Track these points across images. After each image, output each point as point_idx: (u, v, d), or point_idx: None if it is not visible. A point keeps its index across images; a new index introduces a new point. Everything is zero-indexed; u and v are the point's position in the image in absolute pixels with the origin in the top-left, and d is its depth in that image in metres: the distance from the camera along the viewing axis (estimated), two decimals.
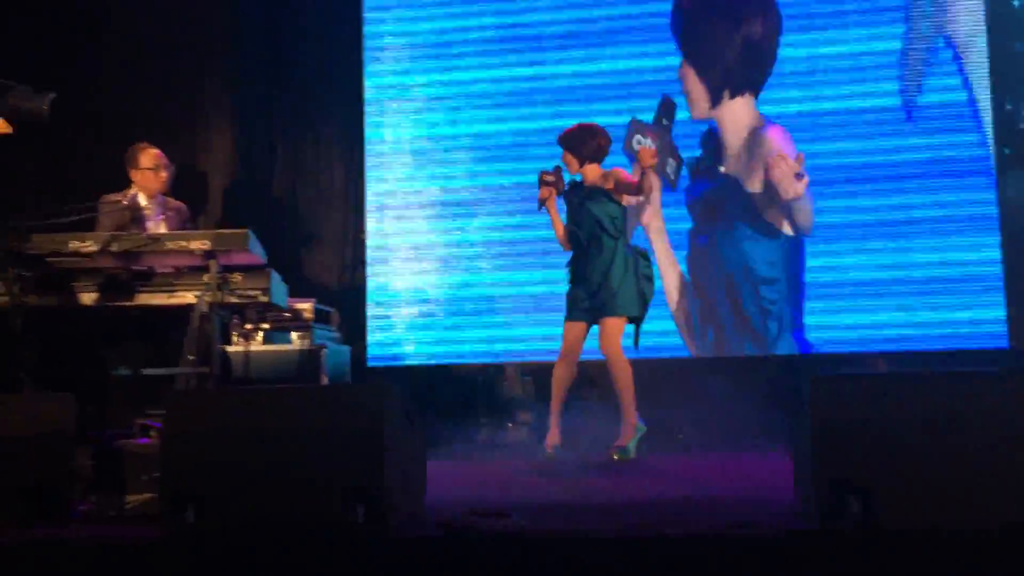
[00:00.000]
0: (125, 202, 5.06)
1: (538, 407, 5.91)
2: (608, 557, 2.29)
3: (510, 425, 5.92)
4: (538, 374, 6.03)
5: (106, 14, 6.63)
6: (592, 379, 5.82)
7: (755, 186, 6.33)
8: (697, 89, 6.47)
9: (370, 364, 6.34)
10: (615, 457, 4.57)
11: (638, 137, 6.38)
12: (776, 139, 6.36)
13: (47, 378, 4.07)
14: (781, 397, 5.80)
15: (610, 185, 4.71)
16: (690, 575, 2.29)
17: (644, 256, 4.85)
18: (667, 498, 3.27)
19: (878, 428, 2.42)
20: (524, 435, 5.85)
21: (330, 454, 2.51)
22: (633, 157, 6.31)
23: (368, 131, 6.57)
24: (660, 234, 6.38)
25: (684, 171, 6.42)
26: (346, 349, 5.69)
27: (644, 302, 4.73)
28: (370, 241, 6.51)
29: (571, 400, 4.96)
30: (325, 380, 5.16)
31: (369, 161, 6.55)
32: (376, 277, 6.49)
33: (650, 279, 4.80)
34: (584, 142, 4.77)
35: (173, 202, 5.43)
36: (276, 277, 4.38)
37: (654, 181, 4.83)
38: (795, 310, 6.24)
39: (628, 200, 4.82)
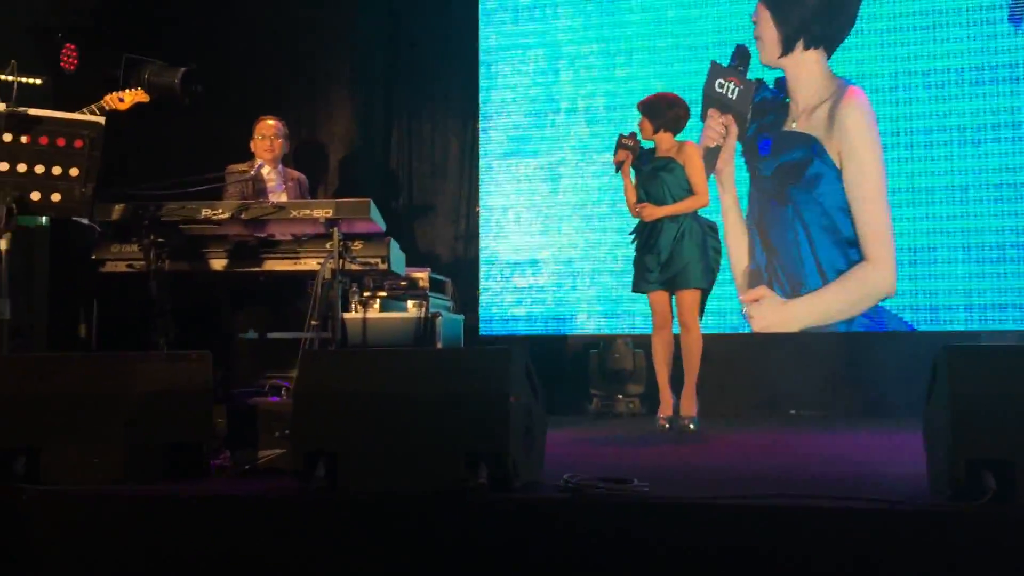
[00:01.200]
0: (252, 172, 5.23)
1: (649, 379, 5.90)
2: (733, 524, 2.27)
3: (620, 397, 5.91)
4: (649, 346, 5.99)
5: None
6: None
7: (832, 146, 6.17)
8: (769, 34, 6.36)
9: (483, 334, 6.41)
10: (691, 428, 4.63)
11: (720, 81, 6.36)
12: (854, 101, 6.15)
13: (179, 341, 4.25)
14: (888, 370, 5.73)
15: (682, 160, 4.71)
16: (816, 545, 2.25)
17: (713, 229, 4.85)
18: (785, 469, 3.22)
19: (1018, 402, 2.33)
20: (635, 407, 5.84)
21: (455, 415, 2.55)
22: (713, 101, 6.34)
23: (483, 105, 6.61)
24: (730, 186, 6.32)
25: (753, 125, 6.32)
26: (460, 318, 5.77)
27: (713, 274, 4.75)
28: (484, 213, 6.57)
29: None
30: (439, 348, 5.25)
31: (484, 135, 6.61)
32: (490, 248, 6.55)
33: (718, 252, 4.82)
34: (661, 110, 4.77)
35: (293, 172, 5.59)
36: (395, 245, 4.46)
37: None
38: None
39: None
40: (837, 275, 6.08)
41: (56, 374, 2.85)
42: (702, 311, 4.78)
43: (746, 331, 6.14)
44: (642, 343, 6.05)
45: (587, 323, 6.36)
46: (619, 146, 4.77)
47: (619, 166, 4.77)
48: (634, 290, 4.86)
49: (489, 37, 6.67)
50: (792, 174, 6.27)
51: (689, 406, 4.71)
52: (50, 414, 2.80)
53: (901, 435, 4.22)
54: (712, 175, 6.15)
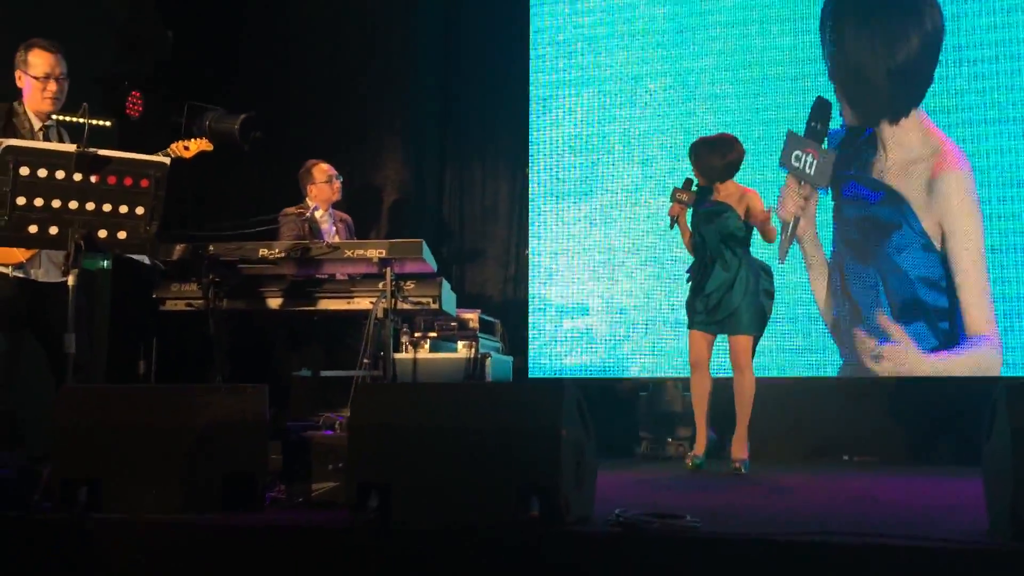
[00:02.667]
0: (308, 214, 5.34)
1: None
2: (787, 560, 2.25)
3: (669, 440, 5.87)
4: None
5: (291, 42, 7.05)
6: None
7: (930, 217, 5.91)
8: (847, 108, 6.17)
9: (532, 375, 6.43)
10: (741, 471, 4.61)
11: (796, 153, 6.17)
12: (956, 172, 5.87)
13: (235, 378, 4.33)
14: (953, 416, 5.63)
15: (741, 209, 4.67)
16: None
17: (767, 272, 4.83)
18: (837, 508, 3.17)
19: None
20: (685, 450, 5.79)
21: (507, 449, 2.57)
22: (790, 170, 6.16)
23: (533, 149, 6.70)
24: (815, 246, 6.18)
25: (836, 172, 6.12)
26: (509, 359, 5.80)
27: (764, 319, 4.74)
28: (533, 256, 6.62)
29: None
30: None
31: (534, 178, 6.68)
32: (539, 290, 6.59)
33: (771, 295, 4.80)
34: (712, 158, 4.71)
35: (340, 214, 5.71)
36: (446, 286, 4.52)
37: (771, 231, 4.80)
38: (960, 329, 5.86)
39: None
40: (929, 350, 5.85)
41: (118, 406, 2.93)
42: (753, 354, 4.76)
43: (796, 375, 6.06)
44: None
45: (636, 366, 6.34)
46: (673, 199, 4.71)
47: (673, 220, 4.73)
48: (691, 328, 4.83)
49: (539, 81, 6.75)
50: (877, 232, 6.05)
51: (740, 449, 4.70)
52: (112, 445, 2.87)
53: (958, 480, 4.14)
54: (790, 245, 6.11)
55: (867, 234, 6.09)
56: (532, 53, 6.77)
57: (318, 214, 5.51)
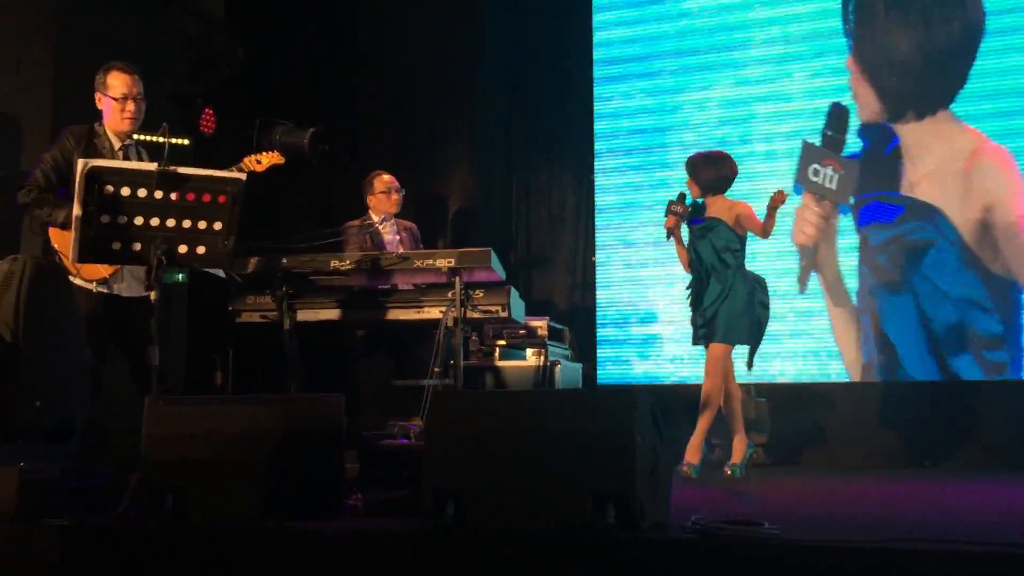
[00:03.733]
0: (374, 225, 5.42)
1: (773, 428, 5.80)
2: (867, 568, 2.22)
3: None
4: (771, 395, 5.91)
5: (358, 54, 7.17)
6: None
7: (966, 217, 5.54)
8: (868, 96, 5.80)
9: (600, 382, 6.42)
10: (688, 473, 4.64)
11: (814, 167, 5.82)
12: (996, 163, 5.45)
13: (308, 388, 4.42)
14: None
15: (732, 221, 4.71)
16: None
17: (762, 284, 4.84)
18: (917, 515, 3.11)
19: None
20: (759, 456, 5.72)
21: (582, 456, 2.58)
22: (806, 187, 5.81)
23: (598, 156, 6.70)
24: (836, 278, 5.89)
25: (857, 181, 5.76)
26: (578, 366, 5.80)
27: (759, 330, 4.77)
28: (600, 262, 6.61)
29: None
30: None
31: (600, 183, 6.68)
32: (606, 297, 6.58)
33: (766, 306, 4.81)
34: (707, 171, 4.77)
35: (405, 222, 5.77)
36: (515, 294, 4.54)
37: (768, 226, 4.69)
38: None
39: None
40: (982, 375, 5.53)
41: (201, 417, 3.01)
42: (751, 363, 4.83)
43: (872, 379, 5.95)
44: (764, 391, 5.96)
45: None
46: (668, 211, 4.78)
47: (669, 232, 4.82)
48: (693, 343, 4.92)
49: (603, 86, 6.75)
50: (909, 255, 5.69)
51: (693, 453, 4.74)
52: (196, 455, 2.94)
53: None
54: (813, 271, 5.85)
55: (896, 259, 5.72)
56: (596, 58, 6.77)
57: (379, 225, 5.58)
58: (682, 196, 4.81)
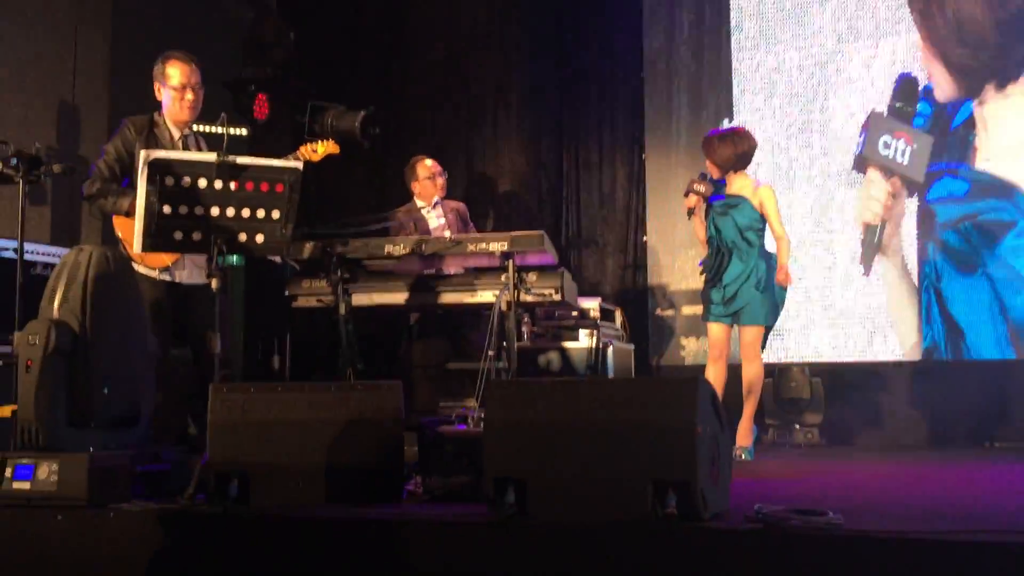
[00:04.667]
0: (419, 211, 5.44)
1: (828, 409, 5.74)
2: (937, 560, 2.19)
3: (797, 427, 5.76)
4: (828, 375, 5.85)
5: (407, 35, 7.17)
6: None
7: None
8: (942, 75, 5.55)
9: (652, 364, 6.40)
10: (741, 456, 4.63)
11: (885, 139, 5.49)
12: None
13: (363, 371, 4.46)
14: None
15: (756, 202, 4.70)
16: None
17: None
18: (984, 503, 3.06)
19: None
20: (814, 437, 5.68)
21: (642, 445, 2.57)
22: (873, 162, 5.56)
23: (648, 132, 6.64)
24: (899, 259, 5.72)
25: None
26: (630, 348, 5.78)
27: (777, 311, 4.76)
28: (651, 243, 6.57)
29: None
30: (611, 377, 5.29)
31: (651, 162, 6.62)
32: (658, 277, 6.54)
33: (784, 288, 4.76)
34: (723, 149, 4.75)
35: (452, 203, 5.78)
36: (567, 276, 4.53)
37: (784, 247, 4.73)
38: None
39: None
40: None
41: (264, 404, 3.05)
42: (764, 345, 4.81)
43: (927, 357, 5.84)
44: (819, 370, 5.90)
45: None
46: (690, 191, 4.75)
47: (690, 212, 4.80)
48: (702, 320, 4.93)
49: (654, 65, 6.67)
50: (984, 235, 5.42)
51: (744, 436, 4.73)
52: (259, 441, 3.00)
53: None
54: (876, 253, 5.67)
55: (969, 238, 5.48)
56: (645, 33, 6.70)
57: (424, 209, 5.59)
58: (703, 175, 4.80)
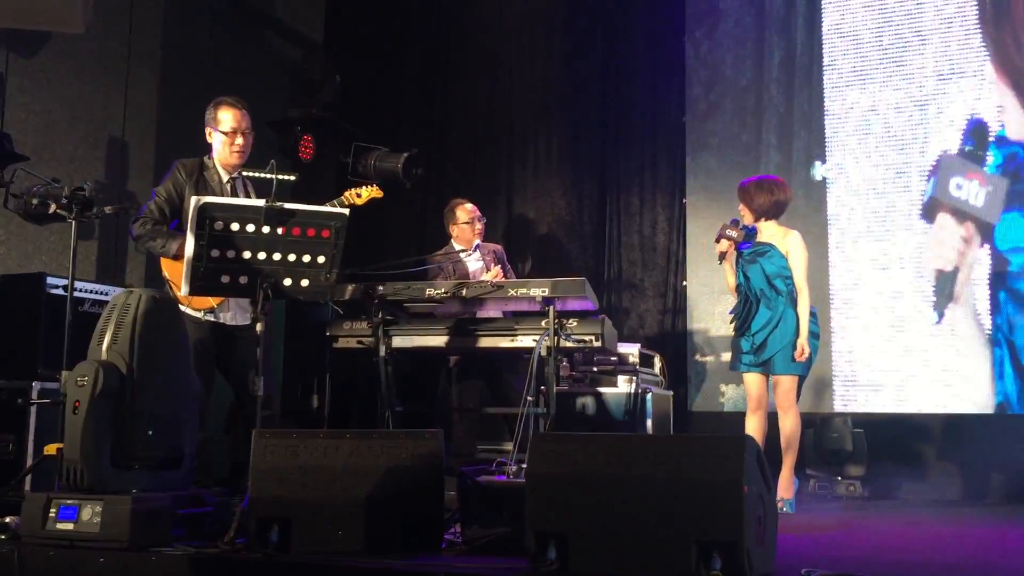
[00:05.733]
0: (470, 251, 5.46)
1: (870, 460, 5.65)
2: None
3: (839, 479, 5.66)
4: (870, 426, 5.76)
5: (449, 79, 7.24)
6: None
7: None
8: (1014, 106, 5.43)
9: (691, 410, 6.34)
10: (783, 509, 4.53)
11: (957, 181, 5.38)
12: None
13: (401, 414, 4.46)
14: None
15: (784, 248, 4.69)
16: None
17: (813, 314, 4.74)
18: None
19: None
20: (856, 490, 5.58)
21: (688, 503, 2.54)
22: (943, 204, 5.48)
23: (690, 179, 6.63)
24: (970, 308, 5.60)
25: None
26: (669, 394, 5.73)
27: (810, 361, 4.69)
28: (691, 288, 6.53)
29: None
30: (649, 424, 5.24)
31: (691, 210, 6.60)
32: (698, 323, 6.49)
33: (816, 336, 4.74)
34: (760, 197, 4.74)
35: (490, 245, 5.79)
36: (608, 323, 4.52)
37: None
38: None
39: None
40: None
41: (306, 450, 3.06)
42: (799, 395, 4.75)
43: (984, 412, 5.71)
44: (861, 422, 5.81)
45: (801, 400, 6.14)
46: (723, 236, 4.74)
47: (721, 257, 4.79)
48: (731, 368, 4.92)
49: (696, 108, 6.68)
50: None
51: (786, 489, 4.65)
52: (301, 487, 2.99)
53: None
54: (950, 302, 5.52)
55: None
56: (688, 77, 6.72)
57: (462, 253, 5.60)
58: (735, 221, 4.79)
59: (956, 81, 5.88)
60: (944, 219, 5.56)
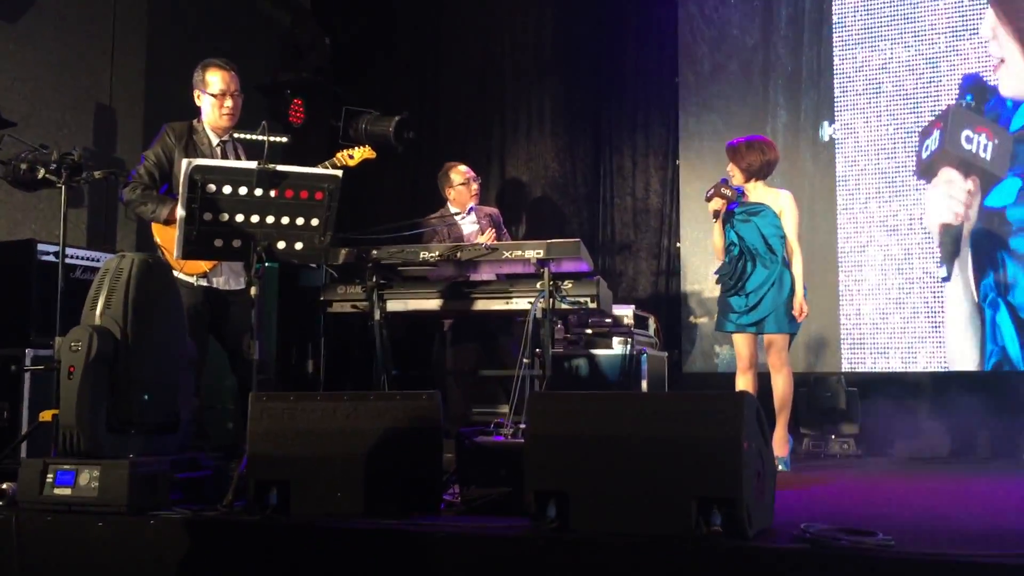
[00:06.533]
0: (452, 218, 5.43)
1: (864, 418, 5.68)
2: None
3: (833, 437, 5.69)
4: (864, 385, 5.78)
5: (442, 41, 7.16)
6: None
7: None
8: (1014, 61, 5.43)
9: (685, 371, 6.35)
10: (778, 467, 4.42)
11: (967, 133, 5.42)
12: None
13: (397, 377, 4.46)
14: None
15: (777, 209, 4.69)
16: None
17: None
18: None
19: None
20: (850, 448, 5.61)
21: (687, 460, 2.54)
22: (952, 157, 5.50)
23: (683, 137, 6.59)
24: (963, 266, 5.62)
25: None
26: (663, 355, 5.74)
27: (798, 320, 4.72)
28: (685, 249, 6.52)
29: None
30: (644, 385, 5.25)
31: (685, 167, 6.57)
32: (691, 284, 6.48)
33: (805, 295, 4.74)
34: (751, 156, 4.73)
35: (485, 208, 5.76)
36: (603, 284, 4.50)
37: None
38: None
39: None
40: None
41: (303, 413, 3.04)
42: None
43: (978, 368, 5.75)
44: (855, 379, 5.83)
45: (792, 359, 6.16)
46: (718, 195, 4.71)
47: (716, 215, 4.78)
48: (717, 329, 4.92)
49: (690, 67, 6.62)
50: None
51: (780, 447, 4.65)
52: (299, 450, 2.99)
53: None
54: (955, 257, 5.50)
55: None
56: (681, 41, 6.65)
57: (457, 215, 5.57)
58: (725, 180, 4.77)
59: (970, 38, 5.83)
60: (950, 173, 5.53)
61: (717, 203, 4.73)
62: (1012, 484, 4.31)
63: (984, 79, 5.67)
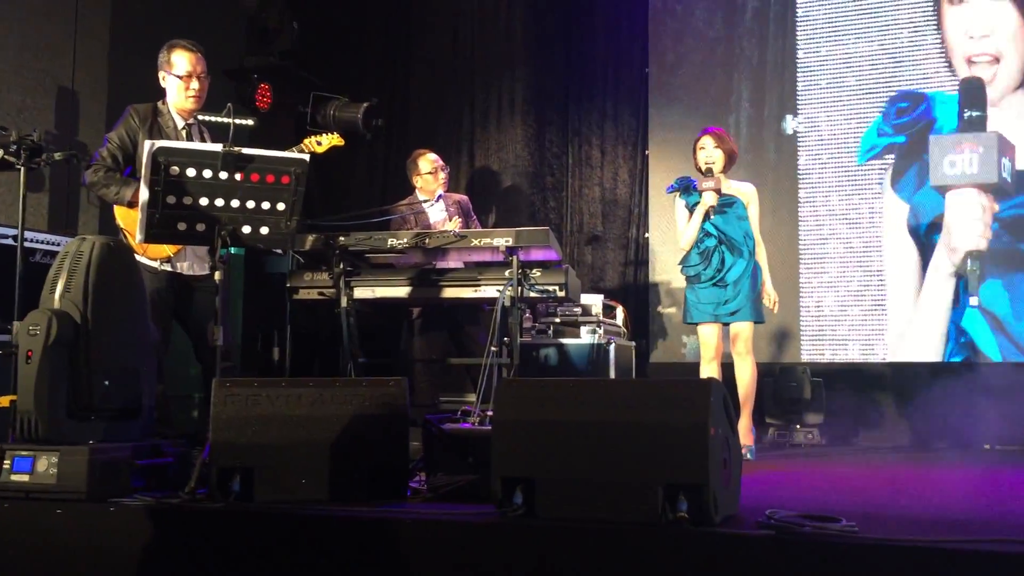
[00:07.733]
0: (420, 205, 5.40)
1: (829, 408, 5.73)
2: (955, 569, 2.17)
3: (798, 427, 5.74)
4: (828, 375, 5.83)
5: (412, 28, 7.11)
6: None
7: None
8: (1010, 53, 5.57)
9: (652, 361, 6.37)
10: (747, 457, 4.57)
11: (950, 159, 5.35)
12: None
13: (363, 365, 4.42)
14: None
15: (746, 201, 4.74)
16: None
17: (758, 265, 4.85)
18: (992, 510, 3.04)
19: None
20: (814, 438, 5.66)
21: (654, 446, 2.54)
22: (946, 185, 5.54)
23: (652, 128, 6.60)
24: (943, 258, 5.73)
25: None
26: (631, 345, 5.75)
27: (763, 310, 4.79)
28: (653, 239, 6.53)
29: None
30: (612, 374, 5.26)
31: (653, 162, 6.58)
32: (659, 275, 6.50)
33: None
34: (727, 145, 4.75)
35: (454, 196, 5.73)
36: (572, 273, 4.51)
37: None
38: None
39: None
40: None
41: (267, 399, 3.01)
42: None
43: (931, 360, 5.83)
44: (820, 370, 5.88)
45: (759, 350, 6.19)
46: (706, 188, 4.65)
47: (712, 211, 4.67)
48: (687, 321, 4.89)
49: (659, 52, 6.62)
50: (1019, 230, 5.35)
51: (746, 435, 4.66)
52: (263, 437, 2.95)
53: None
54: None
55: (1016, 233, 5.45)
56: (651, 30, 6.65)
57: (425, 203, 5.54)
58: (709, 171, 4.73)
59: (932, 34, 5.89)
60: (963, 195, 5.52)
61: (713, 197, 4.67)
62: (970, 472, 4.37)
63: (984, 86, 5.68)
